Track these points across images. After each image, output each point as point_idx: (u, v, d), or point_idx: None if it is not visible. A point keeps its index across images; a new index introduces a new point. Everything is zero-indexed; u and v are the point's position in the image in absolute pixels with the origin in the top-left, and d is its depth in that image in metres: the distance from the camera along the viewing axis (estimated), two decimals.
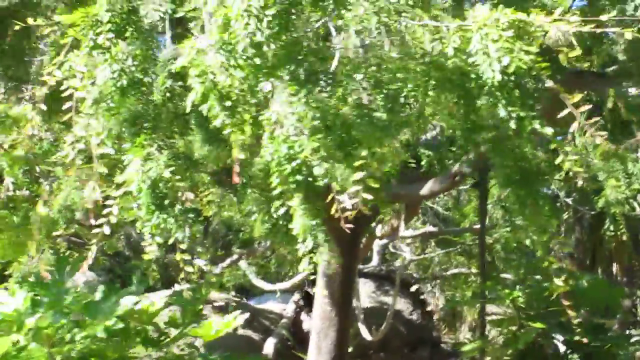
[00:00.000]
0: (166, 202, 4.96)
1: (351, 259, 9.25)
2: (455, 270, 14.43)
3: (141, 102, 5.07)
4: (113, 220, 5.04)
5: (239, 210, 7.97)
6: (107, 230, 5.06)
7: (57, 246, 7.80)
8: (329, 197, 4.38)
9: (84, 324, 5.03)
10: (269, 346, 12.22)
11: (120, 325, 4.88)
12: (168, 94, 5.09)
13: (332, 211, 4.37)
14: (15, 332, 5.04)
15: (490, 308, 16.68)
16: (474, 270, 14.47)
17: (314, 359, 9.08)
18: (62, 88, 5.20)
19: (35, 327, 4.92)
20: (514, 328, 9.73)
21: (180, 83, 4.97)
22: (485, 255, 10.57)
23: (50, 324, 4.92)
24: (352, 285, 9.66)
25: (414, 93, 4.41)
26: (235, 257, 13.43)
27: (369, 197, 4.33)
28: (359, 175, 4.32)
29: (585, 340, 8.98)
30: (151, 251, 5.10)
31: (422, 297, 13.95)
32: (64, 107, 5.22)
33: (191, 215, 4.96)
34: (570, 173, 4.45)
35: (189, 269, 5.09)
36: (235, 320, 5.41)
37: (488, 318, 16.49)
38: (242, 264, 13.73)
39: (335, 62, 4.38)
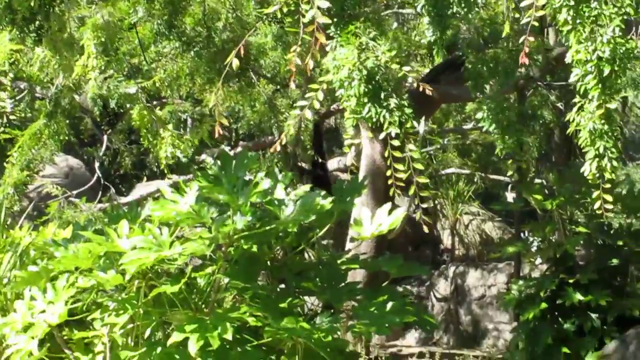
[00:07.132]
0: (382, 94, 4.72)
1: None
2: (451, 170, 14.55)
3: None
4: (316, 105, 4.74)
5: None
6: (309, 114, 4.77)
7: None
8: None
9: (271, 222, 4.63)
10: None
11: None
12: None
13: None
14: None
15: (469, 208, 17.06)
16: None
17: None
18: None
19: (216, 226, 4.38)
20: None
21: None
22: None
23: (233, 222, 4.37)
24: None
25: None
26: None
27: None
28: None
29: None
30: (352, 144, 4.87)
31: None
32: None
33: (408, 111, 4.74)
34: None
35: (399, 166, 4.87)
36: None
37: (467, 217, 16.88)
38: None
39: None
